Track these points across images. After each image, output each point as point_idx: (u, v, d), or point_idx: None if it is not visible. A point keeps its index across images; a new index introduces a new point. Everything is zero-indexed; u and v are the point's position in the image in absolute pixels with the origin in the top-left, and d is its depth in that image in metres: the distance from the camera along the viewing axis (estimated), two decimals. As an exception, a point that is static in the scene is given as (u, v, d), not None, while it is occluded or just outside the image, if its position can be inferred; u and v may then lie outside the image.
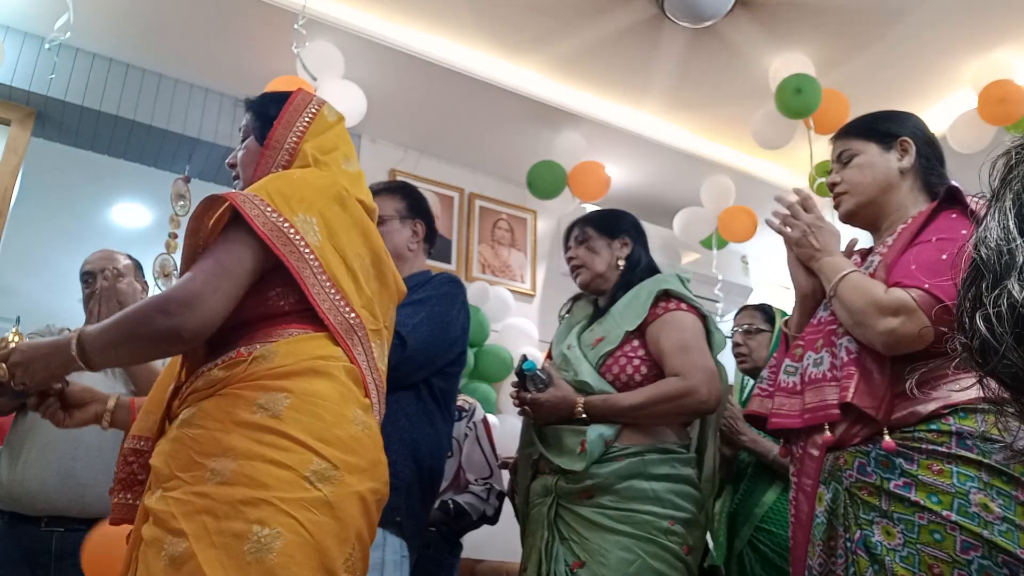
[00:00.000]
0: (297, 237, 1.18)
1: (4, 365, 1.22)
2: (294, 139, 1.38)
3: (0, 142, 3.11)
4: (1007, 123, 3.24)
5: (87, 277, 2.22)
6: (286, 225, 1.18)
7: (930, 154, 1.57)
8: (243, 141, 1.45)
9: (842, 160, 1.60)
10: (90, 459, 1.97)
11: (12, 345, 1.27)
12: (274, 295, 1.21)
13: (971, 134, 3.31)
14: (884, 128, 1.59)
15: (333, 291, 1.22)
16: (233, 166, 1.46)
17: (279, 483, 1.04)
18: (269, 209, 1.18)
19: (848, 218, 1.61)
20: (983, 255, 0.53)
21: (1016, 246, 0.51)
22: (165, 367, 1.42)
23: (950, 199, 1.45)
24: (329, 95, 2.85)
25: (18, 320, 1.58)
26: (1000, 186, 0.54)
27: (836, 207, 1.61)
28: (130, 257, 2.32)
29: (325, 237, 1.23)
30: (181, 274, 1.22)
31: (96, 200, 4.66)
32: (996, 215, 0.53)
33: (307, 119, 1.40)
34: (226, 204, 1.20)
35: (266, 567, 0.99)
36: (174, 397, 1.22)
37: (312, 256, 1.20)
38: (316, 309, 1.19)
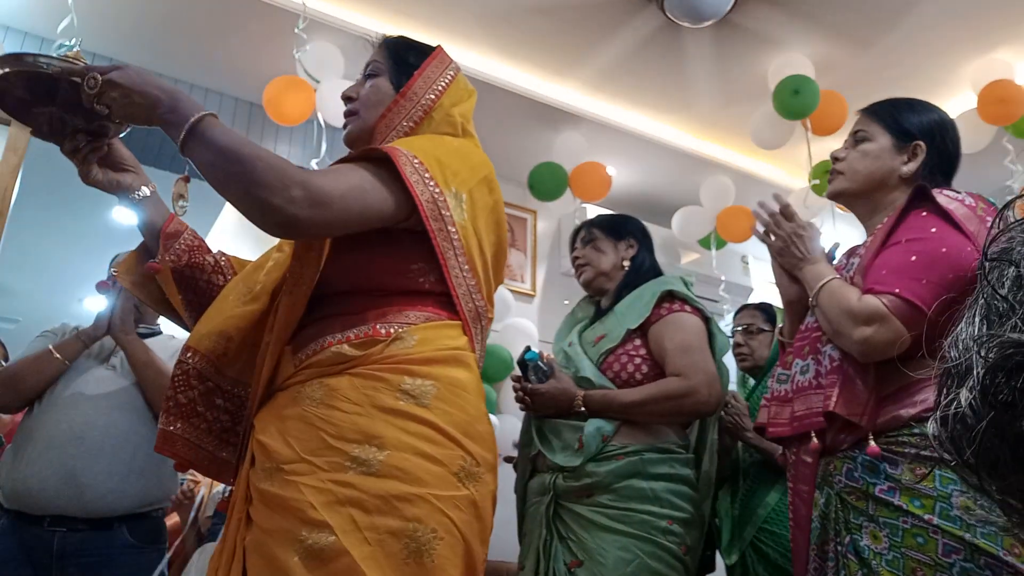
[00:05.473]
0: (448, 213, 1.10)
1: (99, 76, 1.06)
2: (431, 96, 1.27)
3: (0, 142, 3.11)
4: (1007, 123, 3.25)
5: None
6: (441, 199, 1.10)
7: (935, 164, 1.54)
8: (370, 77, 1.32)
9: (856, 138, 1.58)
10: (91, 458, 1.92)
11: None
12: (416, 269, 1.13)
13: (971, 134, 3.30)
14: (907, 125, 1.54)
15: (469, 275, 1.14)
16: (351, 99, 1.32)
17: (434, 479, 0.97)
18: (427, 175, 1.09)
19: (834, 196, 1.61)
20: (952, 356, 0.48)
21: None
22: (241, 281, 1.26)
23: (920, 197, 1.43)
24: (329, 95, 2.86)
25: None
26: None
27: (829, 181, 1.61)
28: None
29: (470, 217, 1.15)
30: None
31: (96, 200, 4.63)
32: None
33: (446, 80, 1.30)
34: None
35: (425, 569, 0.93)
36: (278, 363, 1.11)
37: (456, 236, 1.12)
38: (452, 293, 1.12)
